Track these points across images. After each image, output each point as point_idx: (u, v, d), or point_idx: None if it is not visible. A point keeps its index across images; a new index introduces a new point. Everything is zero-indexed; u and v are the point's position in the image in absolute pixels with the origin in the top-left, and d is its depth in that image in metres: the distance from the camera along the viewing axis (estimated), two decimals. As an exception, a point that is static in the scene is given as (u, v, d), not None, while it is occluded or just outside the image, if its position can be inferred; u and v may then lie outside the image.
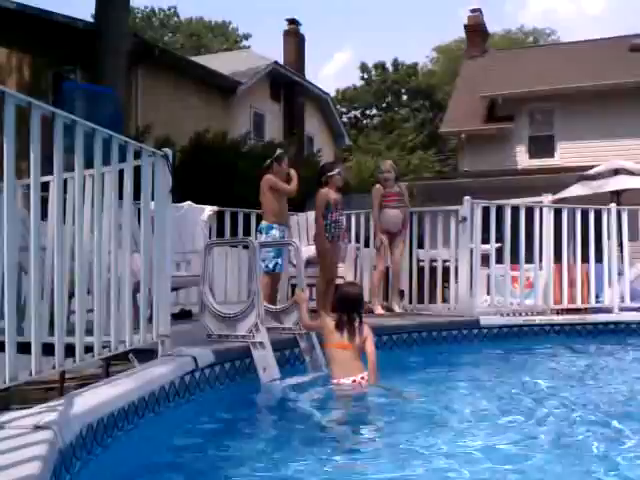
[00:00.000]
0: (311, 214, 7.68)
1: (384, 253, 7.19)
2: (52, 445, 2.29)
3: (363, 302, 5.07)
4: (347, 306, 4.68)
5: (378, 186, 7.27)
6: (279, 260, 6.23)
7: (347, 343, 4.59)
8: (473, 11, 23.23)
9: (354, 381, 4.49)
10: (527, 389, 5.01)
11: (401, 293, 7.60)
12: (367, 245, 8.04)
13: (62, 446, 2.40)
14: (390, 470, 3.04)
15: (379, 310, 6.95)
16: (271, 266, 6.14)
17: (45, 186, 3.90)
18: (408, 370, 5.52)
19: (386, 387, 4.52)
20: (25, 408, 2.78)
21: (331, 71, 65.27)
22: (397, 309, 6.99)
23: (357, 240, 8.31)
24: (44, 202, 3.53)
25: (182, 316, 6.67)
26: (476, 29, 23.06)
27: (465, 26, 23.43)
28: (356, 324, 4.64)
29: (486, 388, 5.07)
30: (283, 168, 6.40)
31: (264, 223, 6.34)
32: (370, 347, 4.63)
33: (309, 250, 7.07)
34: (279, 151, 6.57)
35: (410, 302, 7.65)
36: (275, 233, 6.24)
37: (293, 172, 6.41)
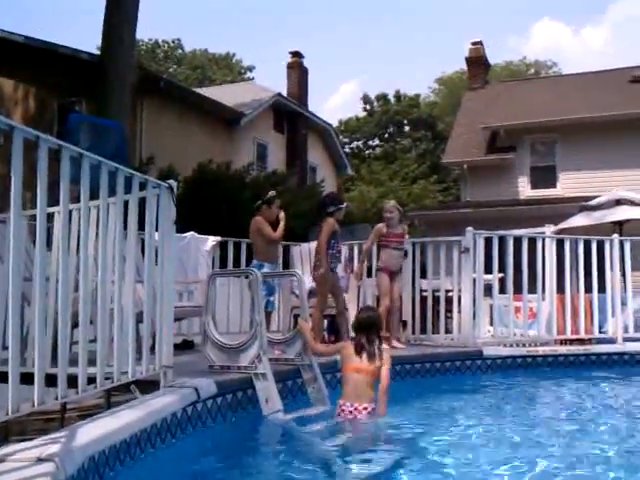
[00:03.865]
0: (314, 244, 7.69)
1: (388, 290, 7.13)
2: (54, 478, 2.28)
3: (381, 325, 5.10)
4: (365, 329, 4.73)
5: (380, 225, 7.27)
6: (271, 298, 6.32)
7: (363, 366, 4.60)
8: (474, 44, 23.45)
9: (356, 408, 4.47)
10: (530, 421, 4.98)
11: (404, 323, 7.58)
12: (370, 275, 8.03)
13: (64, 479, 2.39)
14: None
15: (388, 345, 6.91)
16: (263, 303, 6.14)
17: (49, 216, 3.94)
18: (411, 401, 5.49)
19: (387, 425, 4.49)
20: (24, 439, 2.77)
21: (337, 103, 65.82)
22: (397, 345, 6.96)
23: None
24: (48, 233, 3.56)
25: (184, 347, 6.66)
26: (477, 61, 23.28)
27: (466, 58, 23.66)
28: (376, 346, 4.66)
29: (489, 420, 5.03)
30: (273, 211, 6.49)
31: (255, 262, 6.42)
32: (385, 372, 4.62)
33: (311, 281, 7.06)
34: (271, 193, 6.63)
35: (413, 332, 7.62)
36: (265, 271, 6.25)
37: (282, 215, 6.49)
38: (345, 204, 6.86)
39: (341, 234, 6.73)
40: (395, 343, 6.93)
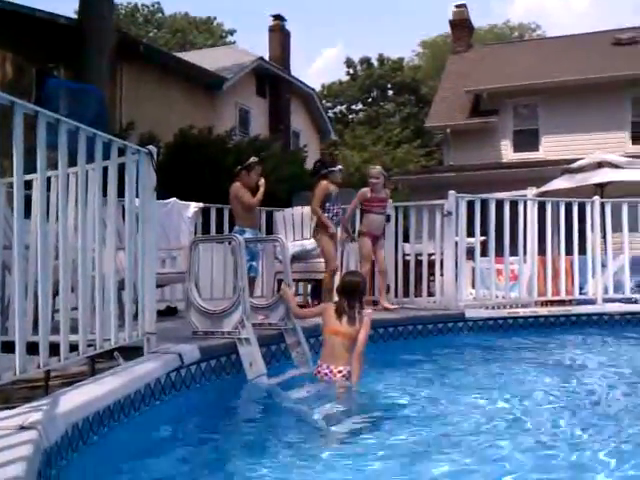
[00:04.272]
0: (297, 209, 7.70)
1: (369, 254, 7.16)
2: (37, 445, 2.29)
3: (364, 290, 5.13)
4: (348, 293, 4.77)
5: (365, 190, 7.23)
6: (253, 263, 6.32)
7: (340, 329, 4.65)
8: (458, 6, 23.23)
9: (331, 371, 4.54)
10: (511, 381, 5.06)
11: (387, 287, 7.62)
12: (353, 240, 8.02)
13: (47, 446, 2.40)
14: (377, 466, 3.06)
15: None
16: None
17: (29, 184, 3.90)
18: (394, 363, 5.55)
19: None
20: (9, 407, 2.77)
21: (320, 67, 65.07)
22: (389, 305, 7.03)
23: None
24: (28, 200, 3.52)
25: (168, 313, 6.67)
26: (461, 24, 23.10)
27: (450, 21, 23.45)
28: (356, 311, 4.70)
29: (470, 381, 5.10)
30: (252, 177, 6.45)
31: (236, 227, 6.43)
32: (362, 337, 4.64)
33: (294, 246, 7.08)
34: (252, 159, 6.60)
35: (396, 296, 7.67)
36: (247, 236, 6.26)
37: (262, 183, 6.45)
38: (338, 166, 6.92)
39: (337, 196, 6.76)
40: (387, 304, 7.00)
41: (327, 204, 6.68)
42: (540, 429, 3.65)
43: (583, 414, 3.99)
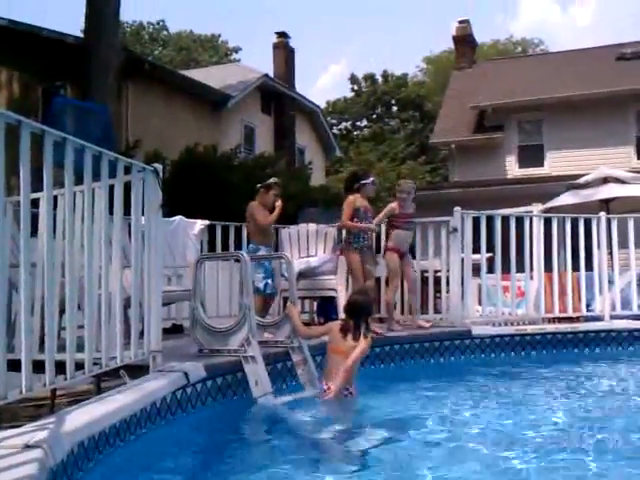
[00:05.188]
0: (303, 226, 7.70)
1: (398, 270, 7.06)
2: (42, 464, 2.28)
3: (371, 310, 5.11)
4: (354, 312, 4.77)
5: (394, 205, 7.11)
6: (269, 281, 6.29)
7: (343, 348, 4.63)
8: (461, 22, 23.33)
9: (329, 388, 4.53)
10: (517, 399, 5.02)
11: (394, 305, 7.58)
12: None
13: (53, 465, 2.39)
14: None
15: (396, 326, 6.89)
16: (261, 286, 6.14)
17: (36, 202, 3.91)
18: (400, 382, 5.52)
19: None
20: (15, 426, 2.76)
21: (326, 83, 65.24)
22: (426, 324, 6.96)
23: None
24: (34, 218, 3.53)
25: (174, 331, 6.66)
26: (464, 40, 23.17)
27: (453, 37, 23.55)
28: (362, 330, 4.67)
29: (476, 399, 5.06)
30: (270, 197, 6.46)
31: (251, 245, 6.43)
32: (357, 350, 4.59)
33: (300, 263, 7.07)
34: (272, 180, 6.63)
35: (402, 313, 7.64)
36: (262, 254, 6.27)
37: (279, 204, 6.45)
38: (371, 178, 6.83)
39: (367, 211, 6.67)
40: (421, 322, 6.94)
41: (355, 219, 6.61)
42: (542, 449, 3.59)
43: (588, 435, 3.95)
